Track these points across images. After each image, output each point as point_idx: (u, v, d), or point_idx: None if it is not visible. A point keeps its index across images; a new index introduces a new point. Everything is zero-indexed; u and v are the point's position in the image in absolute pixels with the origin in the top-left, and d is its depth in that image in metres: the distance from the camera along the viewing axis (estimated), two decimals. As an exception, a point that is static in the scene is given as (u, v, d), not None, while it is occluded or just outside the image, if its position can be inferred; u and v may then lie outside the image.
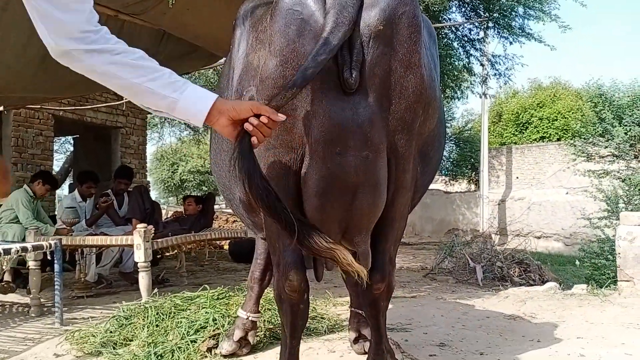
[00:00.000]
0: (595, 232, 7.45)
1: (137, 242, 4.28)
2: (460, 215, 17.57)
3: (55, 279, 4.36)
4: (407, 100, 1.95)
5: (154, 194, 30.24)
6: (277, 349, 3.29)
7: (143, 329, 3.52)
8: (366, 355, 2.86)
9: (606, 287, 4.97)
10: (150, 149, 26.93)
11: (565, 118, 18.61)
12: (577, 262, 11.16)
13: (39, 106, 9.17)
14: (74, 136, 13.15)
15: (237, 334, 3.09)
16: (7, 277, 5.73)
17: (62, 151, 20.02)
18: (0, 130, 9.44)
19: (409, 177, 2.14)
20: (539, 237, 15.60)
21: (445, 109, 16.33)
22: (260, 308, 3.67)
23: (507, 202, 16.55)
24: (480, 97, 11.35)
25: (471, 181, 19.06)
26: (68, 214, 6.10)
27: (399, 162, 2.04)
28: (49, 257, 7.29)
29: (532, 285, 6.98)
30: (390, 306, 4.79)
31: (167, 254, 6.50)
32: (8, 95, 6.58)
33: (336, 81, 1.86)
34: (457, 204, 17.61)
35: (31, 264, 4.76)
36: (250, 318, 3.13)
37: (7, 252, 3.82)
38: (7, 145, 9.38)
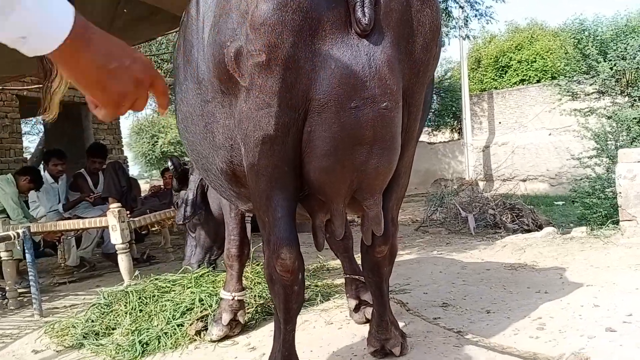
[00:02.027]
0: (584, 172, 7.32)
1: (112, 224, 4.01)
2: (445, 164, 17.49)
3: (28, 269, 4.09)
4: (424, 37, 1.72)
5: (136, 169, 29.75)
6: (272, 325, 3.08)
7: (126, 315, 3.29)
8: (366, 325, 2.68)
9: (606, 227, 4.83)
10: (127, 123, 26.33)
11: (544, 59, 18.43)
12: (560, 203, 11.20)
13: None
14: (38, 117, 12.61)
15: (226, 317, 2.86)
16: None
17: (34, 132, 19.44)
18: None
19: (417, 126, 1.93)
20: (524, 180, 15.60)
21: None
22: (250, 283, 3.46)
23: (491, 148, 16.46)
24: (463, 39, 11.04)
25: (454, 130, 18.93)
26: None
27: (412, 110, 1.82)
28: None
29: (526, 230, 6.87)
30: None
31: (152, 229, 6.28)
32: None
33: (346, 23, 1.60)
34: (441, 154, 17.52)
35: (2, 255, 4.47)
36: (236, 298, 2.89)
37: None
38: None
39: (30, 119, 16.72)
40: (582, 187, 6.95)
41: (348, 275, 2.97)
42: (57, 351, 3.22)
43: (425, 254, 5.11)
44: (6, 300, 4.58)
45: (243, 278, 3.01)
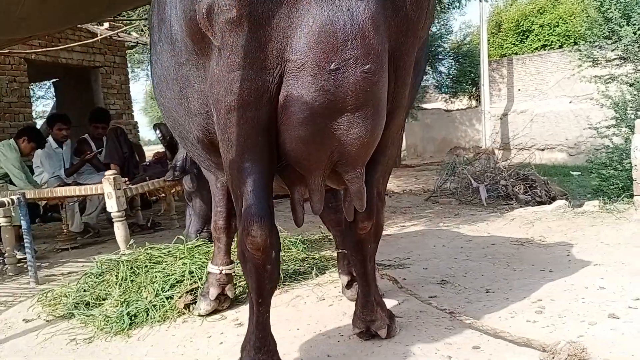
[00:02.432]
0: (602, 141, 7.06)
1: (108, 191, 3.92)
2: (462, 133, 17.16)
3: (24, 236, 4.04)
4: None
5: (153, 134, 29.73)
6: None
7: (116, 286, 3.22)
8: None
9: (620, 201, 4.62)
10: (139, 88, 26.22)
11: (567, 23, 17.78)
12: (577, 173, 10.94)
13: (6, 51, 8.58)
14: (54, 80, 12.56)
15: (213, 292, 2.76)
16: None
17: (48, 96, 19.41)
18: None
19: (407, 92, 1.77)
20: (542, 150, 15.26)
21: (442, 23, 15.51)
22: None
23: (509, 116, 16.07)
24: (480, 0, 10.62)
25: (472, 97, 18.49)
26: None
27: (399, 73, 1.67)
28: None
29: (538, 202, 6.67)
30: (388, 238, 4.50)
31: (158, 195, 6.22)
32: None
33: None
34: (458, 122, 17.18)
35: (1, 220, 4.42)
36: (224, 271, 2.79)
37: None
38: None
39: (45, 82, 16.68)
40: (599, 158, 6.70)
41: (340, 250, 2.84)
42: (48, 321, 3.17)
43: (431, 225, 4.97)
44: (5, 266, 4.55)
45: (231, 251, 2.90)
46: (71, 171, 5.90)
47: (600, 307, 2.27)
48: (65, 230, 5.48)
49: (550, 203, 6.68)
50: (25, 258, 5.04)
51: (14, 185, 5.22)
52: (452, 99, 19.00)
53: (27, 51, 9.21)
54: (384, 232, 4.71)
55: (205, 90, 1.79)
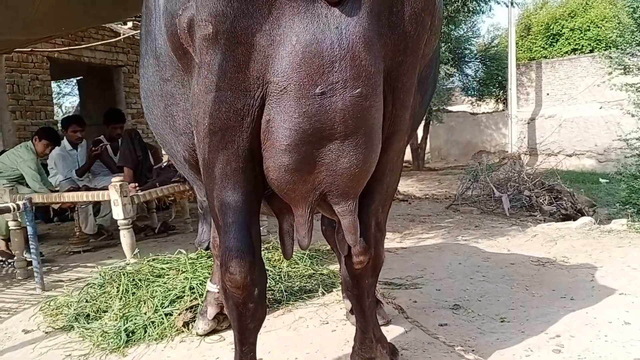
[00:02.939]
0: (633, 152, 6.76)
1: (114, 198, 3.83)
2: (487, 136, 16.85)
3: (30, 242, 3.98)
4: (413, 6, 1.40)
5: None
6: (269, 315, 2.86)
7: (117, 299, 3.12)
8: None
9: (650, 219, 4.38)
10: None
11: (599, 27, 17.31)
12: (603, 181, 10.58)
13: (29, 49, 8.63)
14: (78, 78, 12.64)
15: (211, 312, 2.64)
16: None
17: (74, 94, 19.62)
18: (-10, 77, 8.96)
19: (407, 116, 1.60)
20: (570, 155, 14.87)
21: (469, 25, 15.20)
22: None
23: (536, 121, 15.71)
24: (507, 6, 10.34)
25: (499, 100, 18.12)
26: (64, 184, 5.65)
27: (397, 96, 1.50)
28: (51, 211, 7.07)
29: (563, 215, 6.41)
30: (403, 252, 4.33)
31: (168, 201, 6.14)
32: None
33: None
34: (484, 125, 16.87)
35: (11, 224, 4.37)
36: (223, 290, 2.65)
37: (-34, 218, 3.40)
38: (2, 92, 8.90)
39: (71, 79, 16.85)
40: (628, 169, 6.41)
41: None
42: (47, 332, 3.09)
43: (449, 238, 4.78)
44: (14, 269, 4.51)
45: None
46: (82, 170, 5.85)
47: (624, 349, 2.08)
48: (77, 233, 5.43)
49: (576, 215, 6.43)
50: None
51: (28, 187, 5.19)
52: (478, 102, 18.67)
53: (50, 50, 9.25)
54: (398, 245, 4.57)
55: (189, 109, 1.66)
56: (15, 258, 4.50)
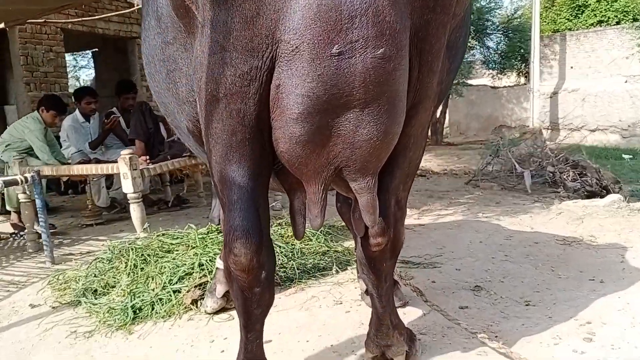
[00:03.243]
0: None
1: (124, 171, 3.72)
2: (508, 111, 16.49)
3: (39, 215, 3.90)
4: None
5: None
6: (280, 294, 2.75)
7: (125, 274, 3.03)
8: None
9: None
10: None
11: (627, -2, 16.71)
12: (627, 157, 10.29)
13: (42, 20, 8.50)
14: (94, 50, 12.53)
15: (220, 290, 2.52)
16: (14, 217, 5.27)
17: (91, 66, 19.56)
18: (7, 49, 8.87)
19: (435, 82, 1.43)
20: (593, 131, 14.50)
21: (491, -5, 14.66)
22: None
23: (559, 95, 15.30)
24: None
25: (521, 74, 17.68)
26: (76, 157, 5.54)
27: (425, 59, 1.33)
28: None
29: (588, 192, 6.18)
30: (421, 230, 4.18)
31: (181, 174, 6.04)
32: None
33: None
34: (505, 99, 16.52)
35: (21, 197, 4.30)
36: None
37: (-28, 190, 3.32)
38: (16, 64, 8.82)
39: (87, 52, 16.76)
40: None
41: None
42: (54, 307, 3.01)
43: (469, 215, 4.61)
44: (24, 241, 4.46)
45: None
46: (95, 143, 5.77)
47: (663, 338, 1.92)
48: (90, 206, 5.36)
49: (601, 193, 6.20)
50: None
51: (38, 159, 5.11)
52: (499, 76, 18.25)
53: (64, 21, 9.12)
54: (416, 222, 4.42)
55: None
56: (26, 231, 4.44)
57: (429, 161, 10.48)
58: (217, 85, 1.27)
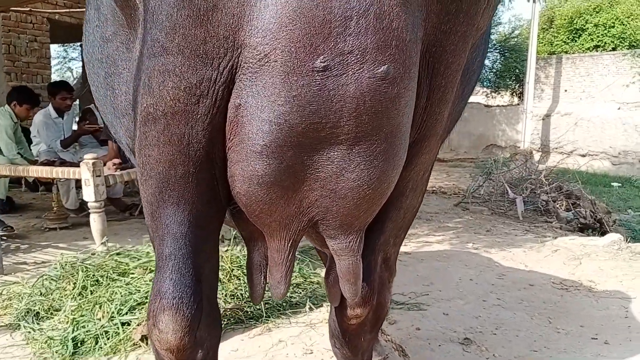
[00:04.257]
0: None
1: (85, 177, 3.37)
2: (500, 131, 16.35)
3: (-13, 220, 3.54)
4: None
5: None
6: (243, 335, 2.43)
7: (70, 298, 2.68)
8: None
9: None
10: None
11: (624, 24, 16.65)
12: (616, 184, 10.12)
13: (27, 9, 8.13)
14: (81, 43, 12.13)
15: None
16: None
17: (80, 59, 19.13)
18: (-11, 37, 8.48)
19: (446, 114, 1.09)
20: (584, 156, 14.37)
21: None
22: (224, 275, 2.77)
23: (552, 118, 15.16)
24: (529, 0, 9.81)
25: (514, 94, 17.60)
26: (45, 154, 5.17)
27: (437, 83, 1.00)
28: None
29: (582, 224, 5.93)
30: (406, 259, 3.87)
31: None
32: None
33: None
34: (497, 119, 16.37)
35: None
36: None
37: None
38: (-1, 54, 8.46)
39: (78, 44, 16.34)
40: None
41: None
42: (-11, 330, 2.66)
43: (458, 245, 4.32)
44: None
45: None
46: (67, 142, 5.41)
47: None
48: (55, 208, 4.99)
49: (595, 226, 5.95)
50: (4, 236, 4.61)
51: (3, 155, 4.75)
52: (493, 94, 18.18)
53: (50, 11, 8.76)
54: (401, 249, 4.11)
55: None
56: (-23, 234, 4.08)
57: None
58: (155, 100, 0.94)
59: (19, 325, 2.64)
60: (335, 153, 0.91)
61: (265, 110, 0.87)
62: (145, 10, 0.94)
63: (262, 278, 1.18)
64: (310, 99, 0.84)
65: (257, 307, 2.57)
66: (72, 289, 2.74)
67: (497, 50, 16.42)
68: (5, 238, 4.49)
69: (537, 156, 14.44)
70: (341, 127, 0.87)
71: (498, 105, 17.03)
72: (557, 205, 6.40)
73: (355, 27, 0.81)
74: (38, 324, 2.62)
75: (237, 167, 0.96)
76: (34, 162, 4.96)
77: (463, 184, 8.81)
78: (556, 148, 14.91)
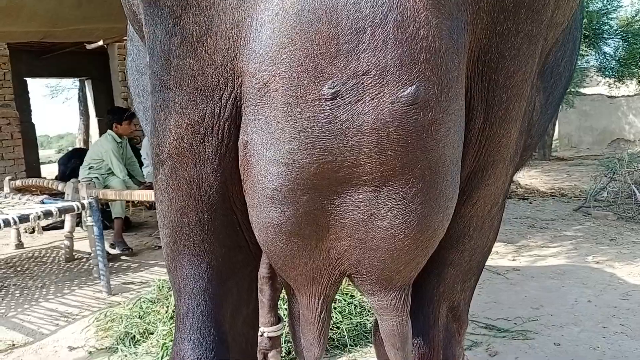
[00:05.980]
0: None
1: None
2: (627, 124, 15.02)
3: (95, 243, 3.72)
4: None
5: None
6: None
7: (161, 322, 2.71)
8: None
9: None
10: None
11: None
12: None
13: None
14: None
15: (253, 360, 2.11)
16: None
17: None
18: (107, 65, 9.11)
19: (514, 134, 0.87)
20: None
21: (608, -4, 13.42)
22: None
23: (689, 105, 13.66)
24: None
25: (642, 82, 16.07)
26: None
27: (495, 98, 0.80)
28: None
29: None
30: (515, 277, 3.54)
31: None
32: (88, 26, 5.95)
33: None
34: (623, 111, 15.08)
35: (88, 220, 4.17)
36: (266, 334, 2.11)
37: (24, 219, 3.16)
38: (115, 81, 9.05)
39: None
40: None
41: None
42: (90, 353, 2.77)
43: (576, 259, 3.89)
44: (91, 265, 4.34)
45: (278, 306, 2.20)
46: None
47: None
48: (163, 226, 5.20)
49: None
50: (117, 254, 4.86)
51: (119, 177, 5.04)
52: (617, 84, 16.70)
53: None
54: (511, 264, 3.76)
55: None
56: (91, 254, 4.31)
57: (534, 178, 9.53)
58: (160, 140, 0.84)
59: (117, 348, 2.72)
60: (360, 196, 0.75)
61: (271, 148, 0.74)
62: (147, 37, 0.84)
63: (316, 329, 1.03)
64: (320, 134, 0.69)
65: (342, 333, 2.42)
66: (166, 312, 2.78)
67: (619, 37, 15.05)
68: (123, 258, 4.76)
69: (672, 149, 13.05)
70: (361, 165, 0.71)
71: (623, 96, 15.65)
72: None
73: (370, 40, 0.64)
74: (134, 347, 2.67)
75: (253, 214, 0.83)
76: (142, 183, 5.20)
77: (585, 184, 8.08)
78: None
